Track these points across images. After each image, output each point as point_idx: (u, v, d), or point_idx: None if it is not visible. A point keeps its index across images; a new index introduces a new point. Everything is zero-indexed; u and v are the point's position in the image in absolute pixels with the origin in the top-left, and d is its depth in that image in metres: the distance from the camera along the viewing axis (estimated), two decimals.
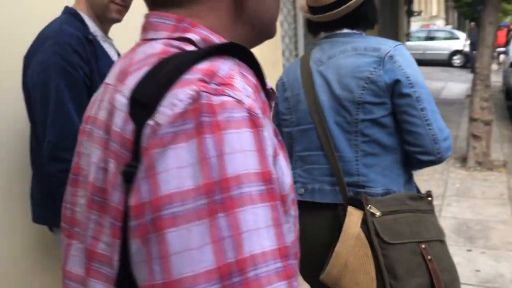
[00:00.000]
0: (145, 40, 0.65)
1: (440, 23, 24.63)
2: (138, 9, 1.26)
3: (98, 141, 0.61)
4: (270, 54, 3.81)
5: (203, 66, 0.55)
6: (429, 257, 1.38)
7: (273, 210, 0.52)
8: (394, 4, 11.19)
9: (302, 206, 1.43)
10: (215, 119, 0.51)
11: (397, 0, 11.55)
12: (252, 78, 0.59)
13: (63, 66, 1.41)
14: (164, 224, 0.50)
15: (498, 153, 6.18)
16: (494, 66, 10.90)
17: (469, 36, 15.26)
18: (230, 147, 0.51)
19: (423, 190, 1.55)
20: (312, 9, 1.56)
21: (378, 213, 1.39)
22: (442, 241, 1.46)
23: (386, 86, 1.42)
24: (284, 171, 0.60)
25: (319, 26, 1.60)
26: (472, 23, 15.52)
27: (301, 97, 1.56)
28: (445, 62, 16.97)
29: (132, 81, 0.58)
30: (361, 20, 1.54)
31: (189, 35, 0.62)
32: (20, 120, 1.68)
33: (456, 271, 1.47)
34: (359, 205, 1.41)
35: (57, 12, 1.57)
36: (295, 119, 1.59)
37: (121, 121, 0.56)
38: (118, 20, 1.62)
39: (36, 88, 1.44)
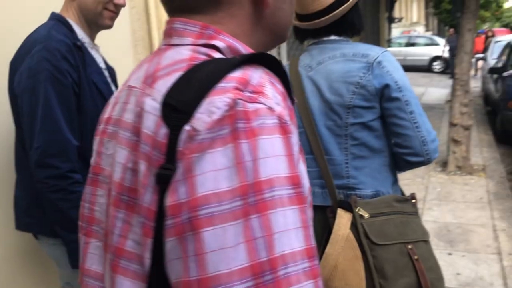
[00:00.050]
0: (169, 45, 0.66)
1: (420, 29, 24.97)
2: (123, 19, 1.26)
3: (125, 142, 0.62)
4: None
5: (237, 74, 0.57)
6: (415, 257, 1.42)
7: (301, 213, 0.55)
8: (375, 11, 11.33)
9: None
10: (249, 126, 0.54)
11: (378, 6, 11.69)
12: (280, 86, 0.61)
13: (52, 72, 1.39)
14: (200, 223, 0.52)
15: (477, 157, 6.28)
16: (472, 72, 11.08)
17: (448, 41, 15.47)
18: (263, 152, 0.53)
19: (405, 194, 1.60)
20: (300, 16, 1.59)
21: (366, 215, 1.42)
22: (426, 242, 1.51)
23: (376, 91, 1.46)
24: (304, 175, 0.62)
25: (306, 33, 1.62)
26: (451, 29, 15.73)
27: None
28: (425, 68, 17.13)
29: (163, 85, 0.60)
30: (348, 27, 1.58)
31: (215, 42, 0.64)
32: (4, 125, 1.66)
33: (440, 270, 1.52)
34: (349, 208, 1.44)
35: (43, 18, 1.55)
36: None
37: (152, 124, 0.58)
38: (110, 27, 1.62)
39: (24, 94, 1.42)
